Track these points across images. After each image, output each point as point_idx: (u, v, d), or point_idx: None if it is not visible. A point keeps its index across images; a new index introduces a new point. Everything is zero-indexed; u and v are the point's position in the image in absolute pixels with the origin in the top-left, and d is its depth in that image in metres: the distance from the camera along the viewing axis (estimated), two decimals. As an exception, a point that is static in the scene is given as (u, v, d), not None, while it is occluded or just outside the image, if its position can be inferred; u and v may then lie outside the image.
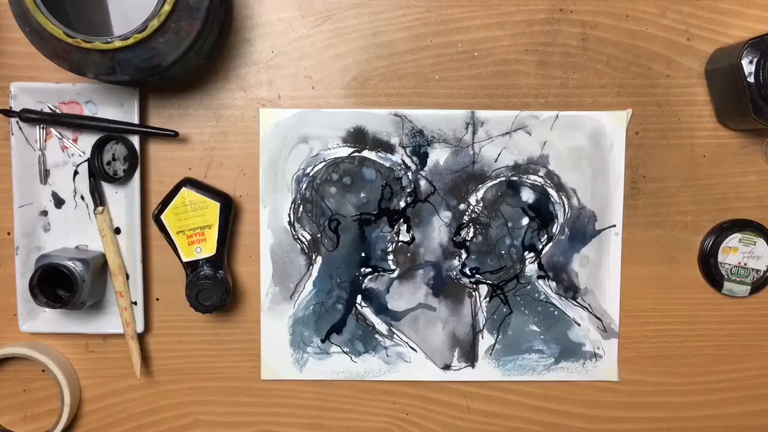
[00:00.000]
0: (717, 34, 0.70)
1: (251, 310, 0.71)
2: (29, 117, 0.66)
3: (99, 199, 0.68)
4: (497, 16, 0.69)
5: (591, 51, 0.70)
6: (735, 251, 0.71)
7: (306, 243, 0.70)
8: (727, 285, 0.72)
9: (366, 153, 0.70)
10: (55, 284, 0.66)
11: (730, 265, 0.71)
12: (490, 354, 0.72)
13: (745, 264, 0.71)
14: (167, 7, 0.56)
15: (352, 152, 0.70)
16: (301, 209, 0.70)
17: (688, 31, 0.70)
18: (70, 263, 0.64)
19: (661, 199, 0.71)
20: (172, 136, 0.67)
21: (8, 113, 0.66)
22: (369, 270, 0.71)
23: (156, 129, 0.67)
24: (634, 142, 0.71)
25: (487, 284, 0.71)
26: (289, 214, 0.70)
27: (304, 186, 0.70)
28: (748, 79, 0.63)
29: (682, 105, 0.71)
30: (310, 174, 0.70)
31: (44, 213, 0.69)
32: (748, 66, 0.63)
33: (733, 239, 0.71)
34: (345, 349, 0.71)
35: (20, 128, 0.67)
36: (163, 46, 0.58)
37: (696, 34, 0.70)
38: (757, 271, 0.72)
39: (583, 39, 0.70)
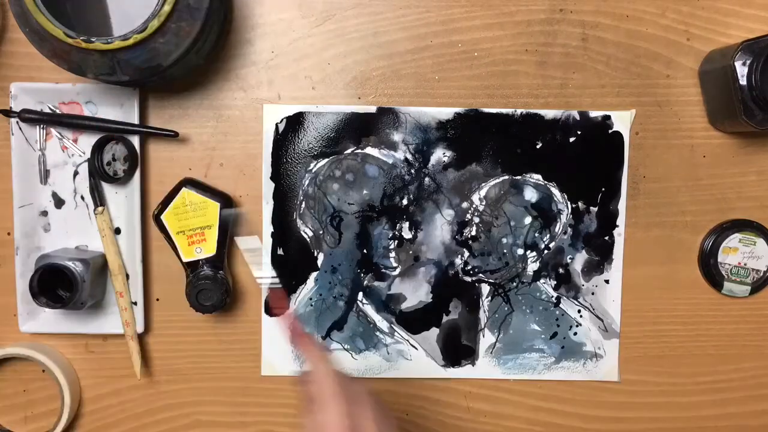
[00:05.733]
0: (717, 34, 0.70)
1: (251, 310, 0.71)
2: (29, 117, 0.66)
3: (99, 199, 0.68)
4: (497, 16, 0.69)
5: (591, 51, 0.70)
6: (735, 251, 0.71)
7: (308, 239, 0.70)
8: (727, 285, 0.72)
9: (369, 150, 0.70)
10: (55, 284, 0.66)
11: (730, 265, 0.71)
12: (491, 353, 0.72)
13: (745, 264, 0.71)
14: (167, 8, 0.56)
15: (355, 149, 0.70)
16: (303, 206, 0.70)
17: (688, 31, 0.70)
18: (70, 263, 0.64)
19: (661, 200, 0.71)
20: (172, 136, 0.67)
21: (8, 113, 0.66)
22: (371, 267, 0.71)
23: (156, 129, 0.67)
24: (634, 142, 0.71)
25: (489, 283, 0.71)
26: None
27: (307, 182, 0.70)
28: (740, 81, 0.63)
29: (682, 105, 0.71)
30: (313, 170, 0.70)
31: (44, 213, 0.69)
32: (741, 68, 0.63)
33: (733, 239, 0.71)
34: (346, 346, 0.71)
35: (20, 128, 0.67)
36: (163, 46, 0.58)
37: (696, 34, 0.70)
38: (757, 271, 0.72)
39: (583, 39, 0.70)
